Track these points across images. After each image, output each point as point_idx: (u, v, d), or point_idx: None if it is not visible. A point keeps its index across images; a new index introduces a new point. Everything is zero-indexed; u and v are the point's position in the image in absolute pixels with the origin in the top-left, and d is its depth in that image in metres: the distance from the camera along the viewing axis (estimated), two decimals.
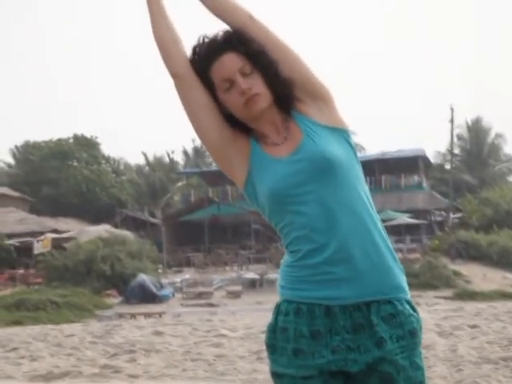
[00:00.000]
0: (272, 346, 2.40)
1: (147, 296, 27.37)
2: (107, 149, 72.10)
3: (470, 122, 62.86)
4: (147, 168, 66.23)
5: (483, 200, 44.59)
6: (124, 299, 27.90)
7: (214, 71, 2.38)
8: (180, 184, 61.29)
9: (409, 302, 2.38)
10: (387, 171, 48.84)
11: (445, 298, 24.98)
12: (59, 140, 60.77)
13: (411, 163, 49.03)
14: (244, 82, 2.34)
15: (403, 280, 2.40)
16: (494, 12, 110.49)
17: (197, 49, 2.43)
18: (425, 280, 27.80)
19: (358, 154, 2.49)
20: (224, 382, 8.93)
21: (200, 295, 28.50)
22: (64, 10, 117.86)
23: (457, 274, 29.83)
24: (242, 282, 30.54)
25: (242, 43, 2.38)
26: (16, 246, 37.66)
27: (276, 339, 2.38)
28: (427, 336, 10.07)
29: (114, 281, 30.42)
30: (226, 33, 2.42)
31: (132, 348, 12.09)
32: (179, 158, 69.59)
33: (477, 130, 62.54)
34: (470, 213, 43.50)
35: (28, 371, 10.21)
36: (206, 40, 2.42)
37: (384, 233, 2.39)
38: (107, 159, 65.05)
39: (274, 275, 28.78)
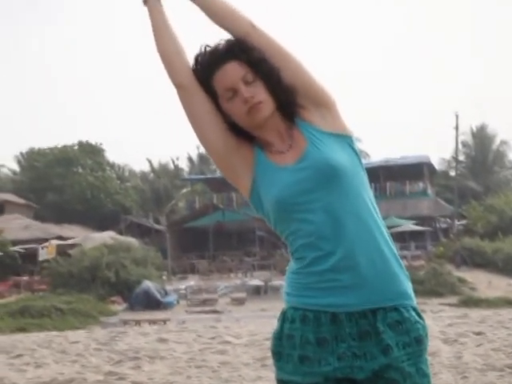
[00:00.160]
0: (278, 353, 2.40)
1: (152, 303, 27.36)
2: (112, 155, 72.40)
3: (474, 129, 62.92)
4: (152, 174, 66.33)
5: (488, 207, 44.53)
6: (129, 306, 27.90)
7: (216, 80, 2.38)
8: (185, 190, 61.30)
9: (415, 309, 2.37)
10: (392, 178, 48.82)
11: (450, 304, 24.93)
12: (64, 147, 60.89)
13: (416, 170, 49.00)
14: (247, 90, 2.34)
15: (409, 287, 2.40)
16: (499, 19, 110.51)
17: (199, 58, 2.43)
18: (430, 287, 27.75)
19: (363, 161, 2.49)
20: None
21: (204, 302, 28.48)
22: (68, 15, 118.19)
23: (462, 281, 29.77)
24: (247, 289, 30.53)
25: (244, 51, 2.37)
26: (21, 253, 37.70)
27: (282, 346, 2.38)
28: (432, 343, 10.04)
29: (119, 287, 30.42)
30: (228, 41, 2.42)
31: (136, 355, 12.08)
32: (184, 165, 69.78)
33: (482, 137, 62.54)
34: (475, 220, 43.44)
35: (32, 378, 10.20)
36: (208, 49, 2.42)
37: (389, 239, 2.39)
38: (112, 166, 65.15)
39: (279, 282, 28.78)
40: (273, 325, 2.44)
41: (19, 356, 12.88)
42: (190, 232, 45.12)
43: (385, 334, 2.29)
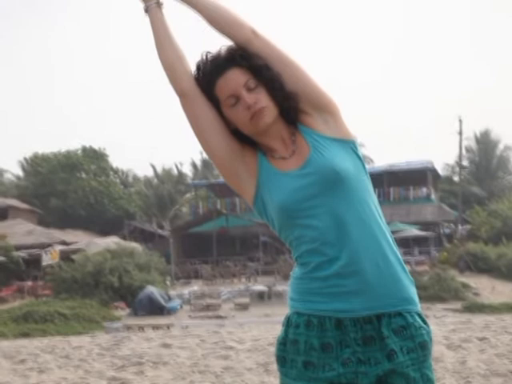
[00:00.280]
0: (282, 359, 2.40)
1: (155, 308, 27.33)
2: (116, 161, 72.42)
3: (478, 134, 62.87)
4: (155, 180, 66.39)
5: (492, 212, 44.48)
6: (132, 311, 27.87)
7: (218, 88, 2.38)
8: (188, 196, 61.36)
9: (419, 314, 2.38)
10: (396, 183, 48.82)
11: (453, 310, 24.85)
12: (68, 152, 60.94)
13: (420, 175, 48.99)
14: (249, 96, 2.34)
15: (413, 292, 2.40)
16: (503, 23, 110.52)
17: (200, 66, 2.44)
18: (433, 292, 27.69)
19: (366, 166, 2.49)
20: None
21: (208, 307, 28.45)
22: (71, 18, 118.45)
23: (465, 286, 29.69)
24: (250, 294, 30.48)
25: (246, 58, 2.38)
26: (24, 258, 37.71)
27: (286, 351, 2.39)
28: (436, 348, 10.03)
29: (122, 293, 30.40)
30: (229, 48, 2.42)
31: (140, 360, 12.06)
32: (188, 170, 69.95)
33: (485, 143, 62.52)
34: (479, 225, 43.39)
35: (36, 383, 10.21)
36: (210, 57, 2.42)
37: (394, 244, 2.39)
38: (115, 171, 65.20)
39: (282, 287, 28.76)
40: (276, 330, 2.45)
41: (23, 361, 12.88)
42: (193, 237, 45.14)
43: (389, 339, 2.29)
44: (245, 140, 2.44)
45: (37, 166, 60.00)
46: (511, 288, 30.97)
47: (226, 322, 23.23)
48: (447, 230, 49.40)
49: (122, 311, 28.56)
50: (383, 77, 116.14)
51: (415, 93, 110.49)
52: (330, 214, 2.30)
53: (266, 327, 18.20)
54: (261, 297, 30.32)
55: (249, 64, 2.37)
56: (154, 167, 67.12)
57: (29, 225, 45.47)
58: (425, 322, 2.38)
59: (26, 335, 21.18)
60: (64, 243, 40.38)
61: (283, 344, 2.40)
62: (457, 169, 56.11)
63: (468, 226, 46.79)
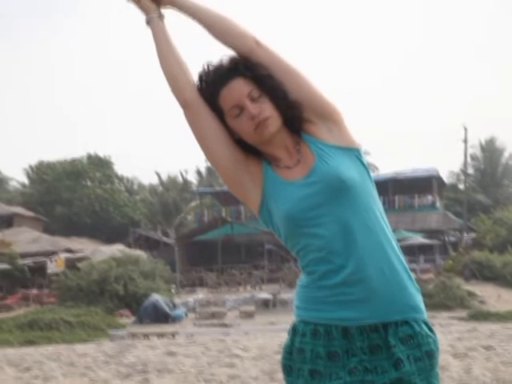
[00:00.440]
0: (288, 367, 2.40)
1: (160, 316, 27.31)
2: (121, 168, 72.53)
3: (483, 142, 62.85)
4: (161, 187, 66.43)
5: (497, 220, 44.42)
6: (137, 319, 27.85)
7: (222, 98, 2.38)
8: (193, 204, 61.34)
9: (426, 323, 2.37)
10: (401, 191, 48.78)
11: (459, 318, 24.79)
12: (73, 160, 61.07)
13: (425, 183, 48.94)
14: (253, 106, 2.34)
15: (420, 300, 2.39)
16: (508, 30, 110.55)
17: (203, 77, 2.43)
18: (438, 300, 27.61)
19: (371, 174, 2.48)
20: None
21: (213, 315, 28.41)
22: (75, 28, 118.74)
23: (471, 294, 29.61)
24: (255, 302, 30.46)
25: (249, 68, 2.37)
26: (30, 266, 37.74)
27: (292, 360, 2.38)
28: (441, 357, 9.97)
29: (127, 300, 30.40)
30: (232, 58, 2.41)
31: (145, 368, 12.07)
32: (193, 178, 69.94)
33: (491, 150, 62.51)
34: (484, 233, 43.32)
35: None
36: (212, 67, 2.41)
37: (400, 252, 2.39)
38: (121, 179, 65.31)
39: (287, 295, 28.73)
40: (281, 338, 2.45)
41: (28, 369, 12.90)
42: (198, 245, 45.13)
43: (396, 347, 2.28)
44: (249, 149, 2.44)
45: (42, 173, 60.14)
46: None
47: (231, 330, 23.21)
48: (452, 238, 49.30)
49: (126, 319, 28.56)
50: (388, 85, 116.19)
51: (421, 101, 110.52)
52: (336, 223, 2.30)
53: (271, 335, 18.19)
54: (266, 305, 30.29)
55: (252, 74, 2.36)
56: (158, 175, 67.23)
57: (34, 232, 45.52)
58: (431, 331, 2.37)
59: (31, 343, 21.18)
60: (69, 251, 40.41)
61: (289, 353, 2.39)
62: (462, 177, 56.07)
63: (473, 234, 46.70)
